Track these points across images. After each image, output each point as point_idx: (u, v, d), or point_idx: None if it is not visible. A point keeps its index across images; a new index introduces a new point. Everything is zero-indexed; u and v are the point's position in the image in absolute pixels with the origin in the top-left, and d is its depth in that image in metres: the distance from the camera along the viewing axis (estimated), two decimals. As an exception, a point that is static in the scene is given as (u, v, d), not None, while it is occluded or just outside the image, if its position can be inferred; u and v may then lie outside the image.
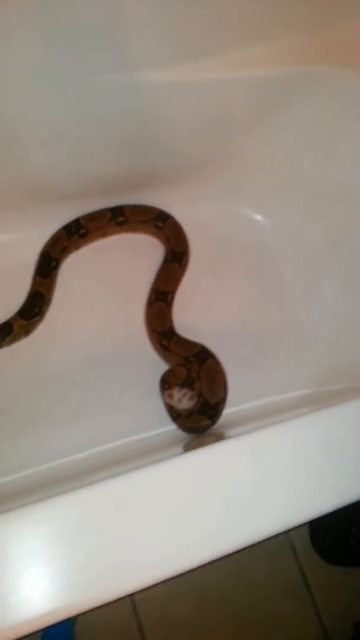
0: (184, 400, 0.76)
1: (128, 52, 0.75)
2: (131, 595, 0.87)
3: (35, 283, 0.85)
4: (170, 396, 0.77)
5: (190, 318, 0.86)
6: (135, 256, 0.91)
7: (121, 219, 0.89)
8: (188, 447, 0.74)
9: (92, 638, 0.81)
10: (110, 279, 0.89)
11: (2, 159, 0.80)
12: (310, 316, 0.90)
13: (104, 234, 0.90)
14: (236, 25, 0.71)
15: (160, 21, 0.71)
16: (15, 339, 0.82)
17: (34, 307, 0.83)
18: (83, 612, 0.47)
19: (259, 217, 0.95)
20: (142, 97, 0.78)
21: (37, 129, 0.79)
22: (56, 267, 0.86)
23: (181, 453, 0.69)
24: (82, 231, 0.87)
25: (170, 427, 0.80)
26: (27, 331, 0.83)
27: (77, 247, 0.89)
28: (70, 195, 0.88)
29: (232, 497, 0.52)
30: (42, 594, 0.46)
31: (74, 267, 0.88)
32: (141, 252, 0.91)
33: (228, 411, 0.79)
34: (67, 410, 0.81)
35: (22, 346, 0.83)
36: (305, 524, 0.54)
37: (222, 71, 0.75)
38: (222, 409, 0.76)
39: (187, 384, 0.77)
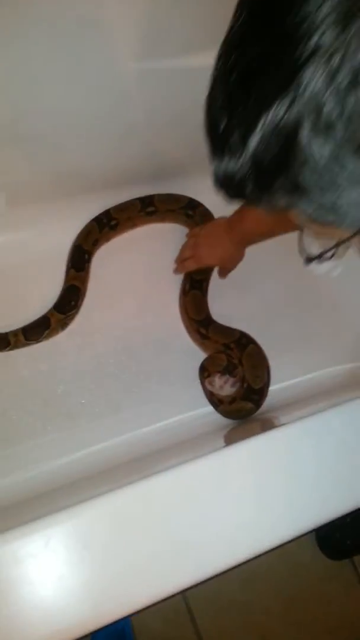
0: (226, 387, 0.77)
1: (163, 37, 0.73)
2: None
3: (69, 276, 0.85)
4: (212, 383, 0.77)
5: (225, 305, 0.86)
6: (165, 246, 0.91)
7: (151, 208, 0.88)
8: (232, 435, 0.75)
9: (144, 619, 0.83)
10: (142, 269, 0.89)
11: (32, 152, 0.80)
12: (345, 294, 0.90)
13: (134, 225, 0.89)
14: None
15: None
16: (52, 333, 0.82)
17: (70, 300, 0.83)
18: (136, 611, 0.48)
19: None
20: (176, 83, 0.77)
21: (65, 120, 0.78)
22: (89, 259, 0.86)
23: (226, 442, 0.69)
24: (112, 222, 0.87)
25: (209, 413, 0.81)
26: (64, 325, 0.83)
27: (108, 239, 0.89)
28: (99, 186, 0.88)
29: (297, 482, 0.52)
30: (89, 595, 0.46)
31: (105, 258, 0.88)
32: (171, 242, 0.91)
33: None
34: (107, 402, 0.81)
35: (60, 340, 0.83)
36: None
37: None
38: (266, 393, 0.77)
39: (228, 370, 0.78)
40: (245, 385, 0.76)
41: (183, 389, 0.82)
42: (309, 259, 0.43)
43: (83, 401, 0.81)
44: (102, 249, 0.89)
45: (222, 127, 0.28)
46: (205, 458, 0.53)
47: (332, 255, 0.41)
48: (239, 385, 0.76)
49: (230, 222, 0.80)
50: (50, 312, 0.81)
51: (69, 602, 0.46)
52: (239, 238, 0.79)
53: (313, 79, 0.24)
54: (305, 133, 0.25)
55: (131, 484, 0.51)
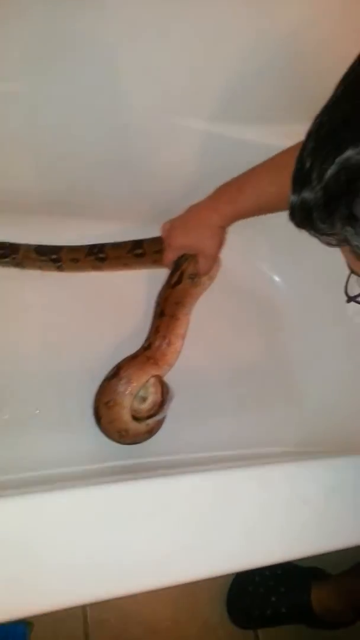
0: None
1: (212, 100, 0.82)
2: (85, 616, 0.85)
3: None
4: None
5: (193, 355, 0.86)
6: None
7: (102, 255, 0.91)
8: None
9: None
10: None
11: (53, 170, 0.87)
12: (305, 378, 0.94)
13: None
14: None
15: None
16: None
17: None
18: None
19: (275, 277, 1.02)
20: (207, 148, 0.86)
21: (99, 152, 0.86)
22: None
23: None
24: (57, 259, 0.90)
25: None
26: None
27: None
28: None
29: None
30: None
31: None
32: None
33: (204, 454, 0.81)
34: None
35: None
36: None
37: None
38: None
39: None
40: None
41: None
42: (350, 298, 0.47)
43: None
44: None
45: (307, 166, 0.37)
46: (144, 481, 0.56)
47: None
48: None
49: (219, 194, 0.78)
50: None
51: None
52: (231, 211, 0.77)
53: None
54: None
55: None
